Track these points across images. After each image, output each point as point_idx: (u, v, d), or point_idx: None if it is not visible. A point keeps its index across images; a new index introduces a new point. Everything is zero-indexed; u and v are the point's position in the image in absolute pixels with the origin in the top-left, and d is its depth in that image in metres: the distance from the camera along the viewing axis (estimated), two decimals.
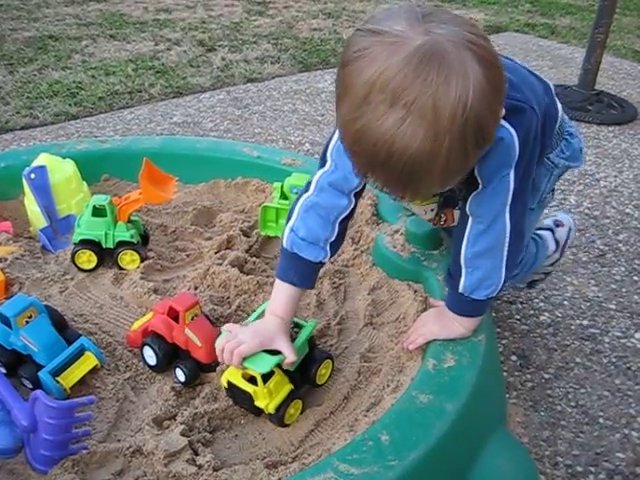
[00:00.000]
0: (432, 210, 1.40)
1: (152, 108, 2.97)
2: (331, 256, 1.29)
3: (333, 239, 1.27)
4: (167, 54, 3.63)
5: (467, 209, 1.17)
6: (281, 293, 1.27)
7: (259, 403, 1.20)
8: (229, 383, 1.23)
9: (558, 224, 1.66)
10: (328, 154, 1.24)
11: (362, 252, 1.63)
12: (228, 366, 1.27)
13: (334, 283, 1.57)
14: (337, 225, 1.27)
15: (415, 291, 1.46)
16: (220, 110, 2.96)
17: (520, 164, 1.11)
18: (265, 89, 3.25)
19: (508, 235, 1.16)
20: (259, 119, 2.88)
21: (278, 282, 1.28)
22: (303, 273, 1.27)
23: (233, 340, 1.20)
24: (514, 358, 1.57)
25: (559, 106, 1.33)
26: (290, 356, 1.20)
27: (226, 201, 1.91)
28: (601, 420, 1.42)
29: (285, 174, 1.76)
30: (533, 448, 1.35)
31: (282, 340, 1.21)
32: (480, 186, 1.13)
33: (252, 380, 1.21)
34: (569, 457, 1.33)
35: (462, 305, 1.23)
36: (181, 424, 1.19)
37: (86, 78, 3.23)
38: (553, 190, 1.46)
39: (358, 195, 1.28)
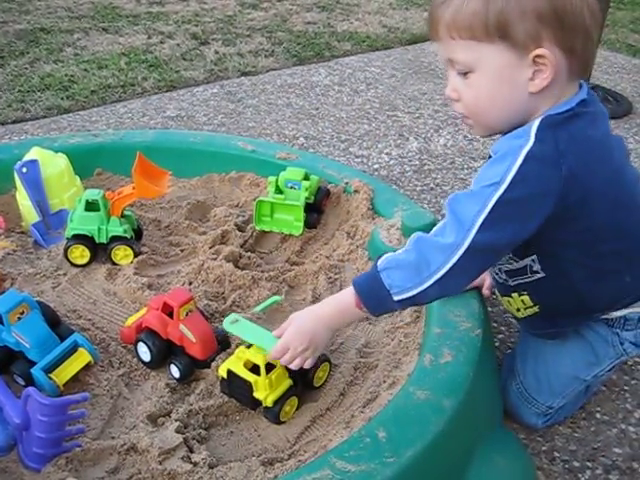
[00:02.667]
0: None
1: (145, 102, 2.95)
2: None
3: None
4: (160, 47, 3.60)
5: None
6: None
7: (258, 394, 1.19)
8: (229, 372, 1.21)
9: None
10: None
11: (358, 247, 1.62)
12: (224, 362, 1.26)
13: (330, 278, 1.56)
14: None
15: None
16: (214, 104, 2.95)
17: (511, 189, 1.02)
18: (259, 83, 3.23)
19: (461, 253, 1.04)
20: (253, 113, 2.87)
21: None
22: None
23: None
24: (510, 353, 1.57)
25: None
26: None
27: (220, 195, 1.89)
28: (598, 415, 1.42)
29: (280, 168, 1.75)
30: (530, 443, 1.34)
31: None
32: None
33: (254, 370, 1.21)
34: (566, 452, 1.33)
35: (365, 280, 1.14)
36: (176, 421, 1.18)
37: (78, 71, 3.20)
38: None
39: None
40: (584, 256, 1.16)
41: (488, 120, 1.14)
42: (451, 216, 1.07)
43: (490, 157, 1.11)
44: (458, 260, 1.04)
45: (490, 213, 1.03)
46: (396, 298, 1.10)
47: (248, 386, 1.20)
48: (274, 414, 1.20)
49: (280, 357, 1.19)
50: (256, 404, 1.22)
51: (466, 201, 1.06)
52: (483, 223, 1.03)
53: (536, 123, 1.06)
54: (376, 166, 2.43)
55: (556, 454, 1.32)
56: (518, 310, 1.31)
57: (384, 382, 1.25)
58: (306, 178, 1.71)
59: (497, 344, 1.57)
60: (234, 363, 1.23)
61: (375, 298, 1.12)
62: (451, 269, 1.05)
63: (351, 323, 1.34)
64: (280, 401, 1.20)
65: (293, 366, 1.20)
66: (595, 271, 1.18)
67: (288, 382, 1.23)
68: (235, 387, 1.23)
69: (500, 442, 1.22)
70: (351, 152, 2.53)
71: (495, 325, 1.63)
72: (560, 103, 1.08)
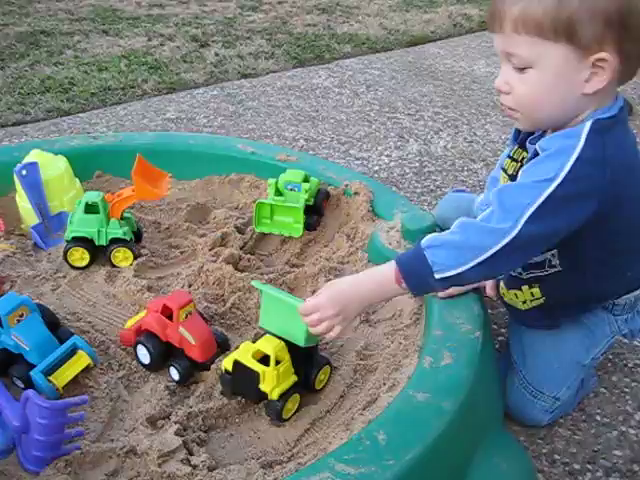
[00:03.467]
0: None
1: (145, 104, 2.95)
2: None
3: None
4: (160, 49, 3.60)
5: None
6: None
7: (265, 386, 1.19)
8: (236, 363, 1.21)
9: None
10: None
11: (357, 249, 1.62)
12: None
13: (329, 280, 1.56)
14: None
15: None
16: (214, 106, 2.95)
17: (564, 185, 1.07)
18: (259, 85, 3.23)
19: (508, 240, 1.08)
20: (253, 115, 2.87)
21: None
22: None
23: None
24: None
25: None
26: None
27: (220, 197, 1.89)
28: (598, 417, 1.42)
29: (280, 170, 1.75)
30: (530, 446, 1.34)
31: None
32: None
33: (262, 362, 1.21)
34: (566, 455, 1.33)
35: (407, 257, 1.16)
36: (175, 423, 1.18)
37: (78, 74, 3.20)
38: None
39: None
40: (604, 253, 1.21)
41: (537, 116, 1.15)
42: (499, 206, 1.10)
43: (535, 152, 1.15)
44: (504, 246, 1.08)
45: (540, 207, 1.07)
46: (437, 276, 1.12)
47: (255, 377, 1.19)
48: (277, 410, 1.20)
49: (308, 315, 1.18)
50: (260, 397, 1.21)
51: (516, 193, 1.11)
52: (532, 215, 1.07)
53: (587, 126, 1.09)
54: (376, 168, 2.43)
55: (556, 456, 1.32)
56: (524, 302, 1.33)
57: (384, 384, 1.25)
58: (306, 180, 1.71)
59: (497, 346, 1.57)
60: (241, 355, 1.22)
61: (416, 274, 1.14)
62: (495, 254, 1.09)
63: (386, 299, 1.34)
64: (284, 396, 1.20)
65: (319, 330, 1.18)
66: (608, 267, 1.24)
67: (293, 378, 1.22)
68: (240, 380, 1.22)
69: (500, 444, 1.22)
70: (351, 154, 2.53)
71: (495, 327, 1.63)
72: (604, 107, 1.12)
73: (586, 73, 1.07)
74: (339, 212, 1.76)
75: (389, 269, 1.18)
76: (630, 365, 1.56)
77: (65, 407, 1.08)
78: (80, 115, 2.81)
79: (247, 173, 1.90)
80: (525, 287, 1.30)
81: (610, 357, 1.57)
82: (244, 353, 1.23)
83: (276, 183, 1.70)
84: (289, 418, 1.23)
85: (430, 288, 1.19)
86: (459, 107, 3.05)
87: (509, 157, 1.32)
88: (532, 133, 1.24)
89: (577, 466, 1.30)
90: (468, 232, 1.12)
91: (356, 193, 1.73)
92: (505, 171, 1.33)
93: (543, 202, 1.07)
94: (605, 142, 1.09)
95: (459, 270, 1.11)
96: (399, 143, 2.65)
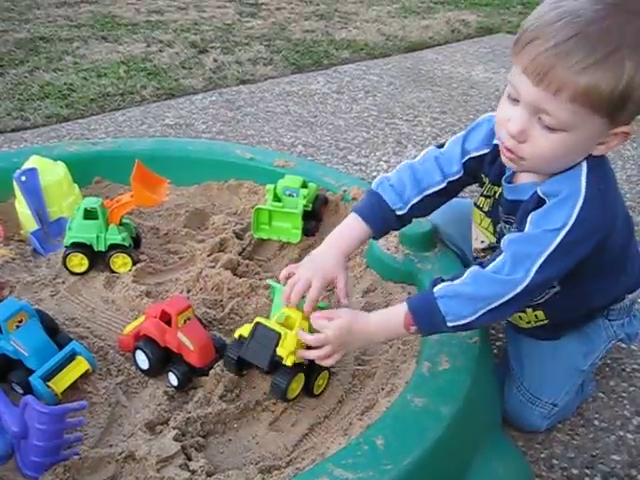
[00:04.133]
0: (482, 242, 1.39)
1: (144, 110, 2.96)
2: (406, 217, 1.36)
3: (415, 202, 1.34)
4: (159, 56, 3.61)
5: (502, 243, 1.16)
6: (349, 229, 1.34)
7: (282, 349, 1.20)
8: (257, 325, 1.23)
9: None
10: (448, 141, 1.38)
11: (356, 255, 1.62)
12: (222, 370, 1.27)
13: (327, 286, 1.56)
14: (424, 194, 1.35)
15: (409, 293, 1.46)
16: (212, 112, 2.95)
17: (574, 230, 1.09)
18: (258, 91, 3.24)
19: (521, 289, 1.10)
20: (252, 121, 2.87)
21: (351, 217, 1.35)
22: (377, 214, 1.34)
23: (300, 282, 1.25)
24: None
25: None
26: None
27: (219, 203, 1.90)
28: (596, 422, 1.42)
29: (278, 176, 1.75)
30: (528, 451, 1.34)
31: (342, 275, 1.29)
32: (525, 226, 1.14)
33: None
34: (564, 459, 1.33)
35: (420, 304, 1.17)
36: (174, 429, 1.18)
37: (77, 80, 3.21)
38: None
39: (452, 184, 1.35)
40: (599, 266, 1.22)
41: (544, 168, 1.14)
42: (510, 256, 1.12)
43: (540, 198, 1.14)
44: (516, 295, 1.10)
45: (550, 255, 1.09)
46: (450, 324, 1.14)
47: (275, 338, 1.21)
48: (282, 389, 1.21)
49: (316, 346, 1.21)
50: (271, 365, 1.22)
51: (526, 243, 1.12)
52: (543, 264, 1.09)
53: (585, 168, 1.11)
54: (374, 174, 2.43)
55: (555, 461, 1.32)
56: (528, 322, 1.35)
57: (382, 390, 1.25)
58: (304, 186, 1.72)
59: (495, 351, 1.57)
60: (262, 320, 1.25)
61: (429, 322, 1.16)
62: (506, 302, 1.11)
63: (387, 340, 1.34)
64: (291, 373, 1.21)
65: (317, 356, 1.21)
66: (604, 278, 1.26)
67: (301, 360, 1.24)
68: (255, 344, 1.23)
69: (498, 449, 1.22)
70: (349, 160, 2.54)
71: (493, 332, 1.63)
72: None
73: (604, 139, 1.08)
74: (337, 218, 1.76)
75: (399, 313, 1.19)
76: (628, 370, 1.56)
77: (64, 413, 1.08)
78: (79, 121, 2.81)
79: (246, 179, 1.91)
80: (529, 310, 1.32)
81: (608, 362, 1.57)
82: (263, 320, 1.25)
83: (274, 189, 1.70)
84: (293, 399, 1.24)
85: (441, 332, 1.20)
86: (457, 113, 3.06)
87: (482, 195, 1.35)
88: (503, 172, 1.25)
89: (575, 471, 1.30)
90: (480, 283, 1.13)
91: (354, 199, 1.74)
92: (480, 208, 1.36)
93: (554, 250, 1.09)
94: (598, 179, 1.11)
95: (471, 318, 1.13)
96: (397, 149, 2.66)
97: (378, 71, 3.58)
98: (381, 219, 1.35)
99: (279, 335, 1.21)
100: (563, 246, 1.09)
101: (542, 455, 1.34)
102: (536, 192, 1.15)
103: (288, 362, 1.20)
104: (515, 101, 1.07)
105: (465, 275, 1.15)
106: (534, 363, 1.37)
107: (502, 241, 1.16)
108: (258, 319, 1.26)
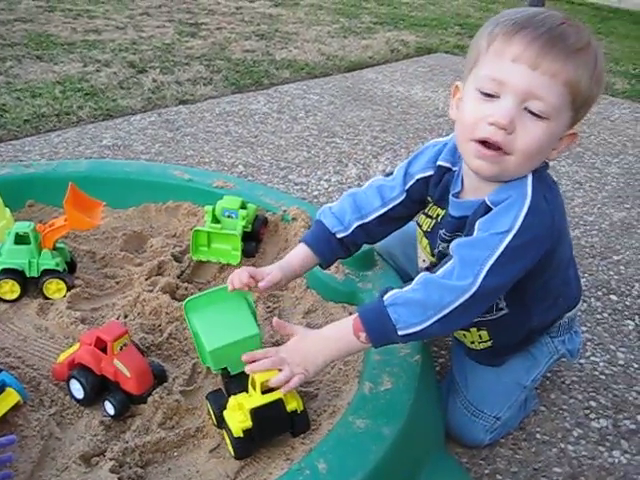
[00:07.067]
0: (424, 261, 1.42)
1: (81, 131, 2.90)
2: (349, 242, 1.39)
3: (356, 226, 1.38)
4: (96, 75, 3.55)
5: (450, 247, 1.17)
6: (295, 255, 1.39)
7: (291, 406, 1.18)
8: (254, 412, 1.16)
9: None
10: (397, 170, 1.40)
11: None
12: (161, 397, 1.23)
13: (268, 307, 1.55)
14: (366, 219, 1.38)
15: (350, 313, 1.45)
16: (151, 132, 2.91)
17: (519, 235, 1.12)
18: (197, 111, 3.21)
19: (470, 294, 1.10)
20: (191, 141, 2.85)
21: (298, 246, 1.41)
22: (319, 238, 1.39)
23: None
24: None
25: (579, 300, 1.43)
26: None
27: (157, 225, 1.86)
28: (538, 435, 1.44)
29: (217, 197, 1.74)
30: (472, 467, 1.35)
31: (275, 271, 1.33)
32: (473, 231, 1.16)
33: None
34: (508, 474, 1.33)
35: (370, 312, 1.16)
36: (111, 460, 1.14)
37: (11, 100, 3.13)
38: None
39: (394, 210, 1.38)
40: (543, 288, 1.26)
41: (519, 166, 1.14)
42: (459, 260, 1.13)
43: (488, 207, 1.17)
44: (465, 301, 1.11)
45: (499, 258, 1.10)
46: (401, 333, 1.13)
47: (281, 406, 1.17)
48: (306, 419, 1.20)
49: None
50: (288, 423, 1.19)
51: (474, 247, 1.13)
52: (491, 268, 1.10)
53: (530, 178, 1.15)
54: (315, 193, 2.43)
55: (498, 477, 1.33)
56: (472, 342, 1.36)
57: (324, 412, 1.24)
58: (243, 207, 1.70)
59: (438, 369, 1.58)
60: (247, 401, 1.18)
61: (379, 330, 1.15)
62: (456, 309, 1.11)
63: (344, 355, 1.27)
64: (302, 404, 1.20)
65: (277, 380, 1.17)
66: (547, 300, 1.31)
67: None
68: (265, 425, 1.17)
69: (442, 467, 1.22)
70: (290, 179, 2.53)
71: (435, 349, 1.64)
72: None
73: (558, 142, 1.15)
74: (277, 238, 1.75)
75: (349, 322, 1.18)
76: (567, 382, 1.59)
77: None
78: (12, 142, 2.73)
79: (184, 200, 1.88)
80: (474, 329, 1.33)
81: (548, 375, 1.59)
82: (248, 399, 1.19)
83: (213, 210, 1.69)
84: None
85: (392, 342, 1.19)
86: (397, 131, 3.10)
87: (424, 214, 1.37)
88: (448, 193, 1.28)
89: None
90: (429, 289, 1.13)
91: (294, 219, 1.73)
92: (420, 226, 1.38)
93: (501, 253, 1.10)
94: (543, 188, 1.16)
95: (422, 327, 1.12)
96: (338, 167, 2.67)
97: (319, 90, 3.60)
98: (324, 241, 1.38)
99: (280, 400, 1.17)
100: (510, 250, 1.10)
101: (486, 471, 1.34)
102: (484, 202, 1.17)
103: (301, 407, 1.19)
104: (490, 97, 1.10)
105: (415, 281, 1.15)
106: (478, 376, 1.39)
107: (451, 245, 1.17)
108: (246, 404, 1.18)
